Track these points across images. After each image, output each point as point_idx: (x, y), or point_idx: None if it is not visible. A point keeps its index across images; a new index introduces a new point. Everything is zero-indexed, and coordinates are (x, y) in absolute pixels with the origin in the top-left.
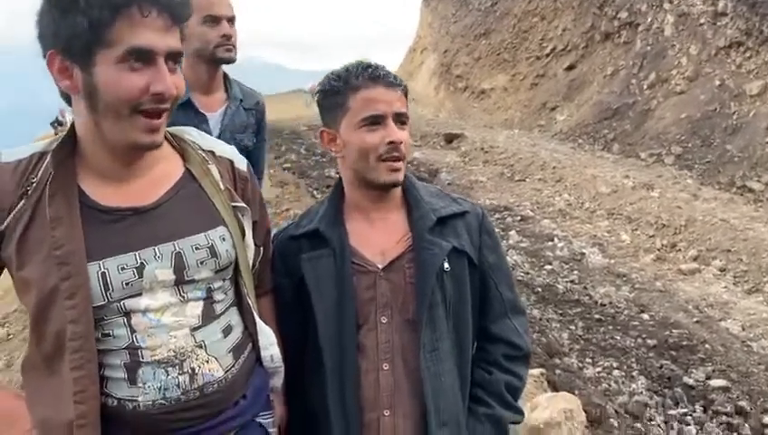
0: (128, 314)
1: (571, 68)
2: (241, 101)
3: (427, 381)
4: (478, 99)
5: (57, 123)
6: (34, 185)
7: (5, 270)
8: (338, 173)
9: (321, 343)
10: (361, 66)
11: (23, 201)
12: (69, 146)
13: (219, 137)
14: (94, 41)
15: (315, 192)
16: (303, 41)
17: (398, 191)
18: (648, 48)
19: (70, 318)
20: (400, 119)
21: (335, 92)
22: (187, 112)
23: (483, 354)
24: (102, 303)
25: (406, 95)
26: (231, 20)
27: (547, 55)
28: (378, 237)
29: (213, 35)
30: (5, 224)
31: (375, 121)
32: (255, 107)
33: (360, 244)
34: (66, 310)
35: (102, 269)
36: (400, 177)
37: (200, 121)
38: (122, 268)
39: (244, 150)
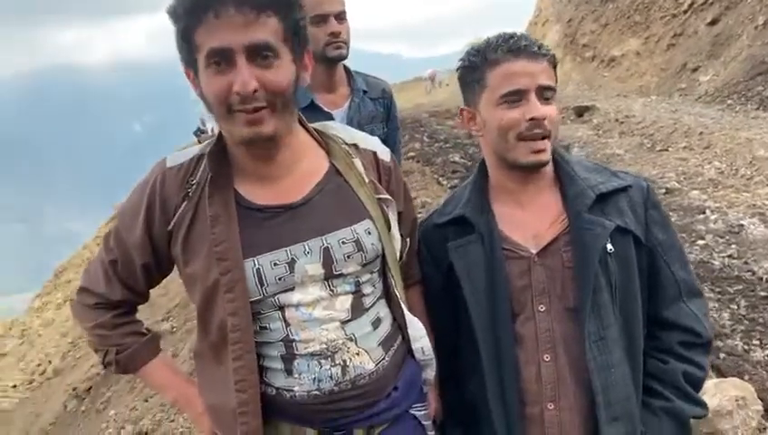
0: (282, 308)
1: (714, 22)
2: (364, 92)
3: (595, 372)
4: (608, 67)
5: (199, 132)
6: (194, 187)
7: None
8: (462, 158)
9: (476, 333)
10: (502, 38)
11: (185, 202)
12: (221, 149)
13: None
14: (191, 50)
15: (441, 179)
16: (416, 28)
17: (548, 169)
18: None
19: (229, 311)
20: (545, 93)
21: (473, 68)
22: (314, 113)
23: (656, 343)
24: (259, 297)
25: (554, 66)
26: (339, 16)
27: (685, 12)
28: (529, 220)
29: (321, 35)
30: (172, 224)
31: (516, 98)
32: (382, 95)
33: (510, 228)
34: (226, 303)
35: (257, 265)
36: (544, 157)
37: (326, 119)
38: (275, 264)
39: None
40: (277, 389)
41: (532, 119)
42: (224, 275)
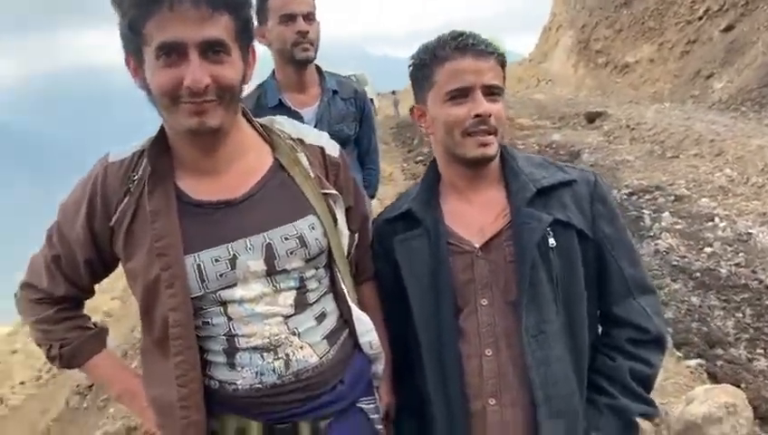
0: (224, 303)
1: (728, 29)
2: (335, 92)
3: (533, 367)
4: (621, 73)
5: None
6: (136, 182)
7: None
8: None
9: (417, 327)
10: (450, 36)
11: (127, 198)
12: (161, 143)
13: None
14: (138, 40)
15: None
16: (431, 35)
17: (494, 166)
18: None
19: (170, 306)
20: (491, 90)
21: (423, 66)
22: (282, 112)
23: (605, 339)
24: (200, 293)
25: (503, 66)
26: (307, 16)
27: (699, 18)
28: (475, 215)
29: (289, 33)
30: (114, 219)
31: (461, 94)
32: (354, 95)
33: (455, 223)
34: (167, 298)
35: (198, 262)
36: (490, 151)
37: (294, 119)
38: (216, 260)
39: (345, 139)
40: (220, 382)
41: (477, 115)
42: (164, 271)
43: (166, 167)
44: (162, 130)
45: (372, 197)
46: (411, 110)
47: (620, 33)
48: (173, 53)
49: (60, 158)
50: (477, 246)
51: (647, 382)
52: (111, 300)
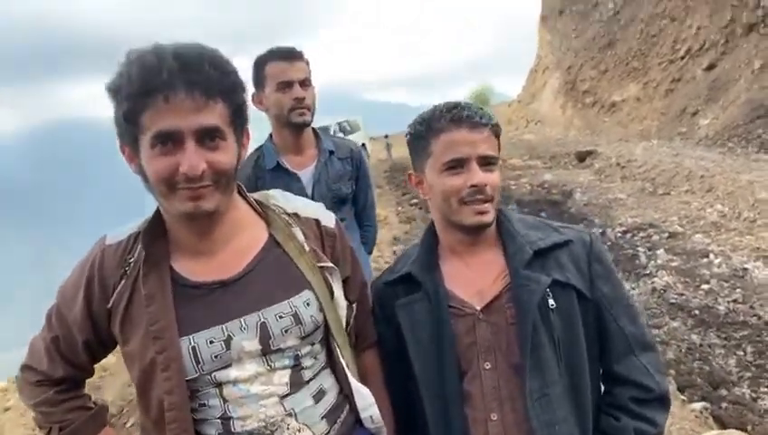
0: (219, 385)
1: (711, 67)
2: (331, 152)
3: (538, 430)
4: (609, 112)
5: None
6: (132, 264)
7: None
8: None
9: (421, 392)
10: (446, 108)
11: (123, 280)
12: (158, 226)
13: (314, 189)
14: (133, 130)
15: None
16: (423, 77)
17: (491, 230)
18: None
19: (165, 389)
20: (487, 160)
21: (419, 136)
22: (280, 174)
23: (609, 398)
24: (195, 375)
25: (497, 136)
26: (303, 82)
27: (682, 58)
28: (474, 278)
29: (286, 100)
30: (111, 302)
31: (457, 165)
32: (350, 154)
33: (455, 286)
34: (162, 381)
35: (193, 343)
36: (487, 219)
37: (292, 181)
38: (211, 342)
39: (343, 198)
40: None
41: (473, 186)
42: (159, 354)
43: (161, 250)
44: (157, 212)
45: (369, 253)
46: (409, 176)
47: (606, 73)
48: (168, 141)
49: (47, 208)
50: (479, 308)
51: None
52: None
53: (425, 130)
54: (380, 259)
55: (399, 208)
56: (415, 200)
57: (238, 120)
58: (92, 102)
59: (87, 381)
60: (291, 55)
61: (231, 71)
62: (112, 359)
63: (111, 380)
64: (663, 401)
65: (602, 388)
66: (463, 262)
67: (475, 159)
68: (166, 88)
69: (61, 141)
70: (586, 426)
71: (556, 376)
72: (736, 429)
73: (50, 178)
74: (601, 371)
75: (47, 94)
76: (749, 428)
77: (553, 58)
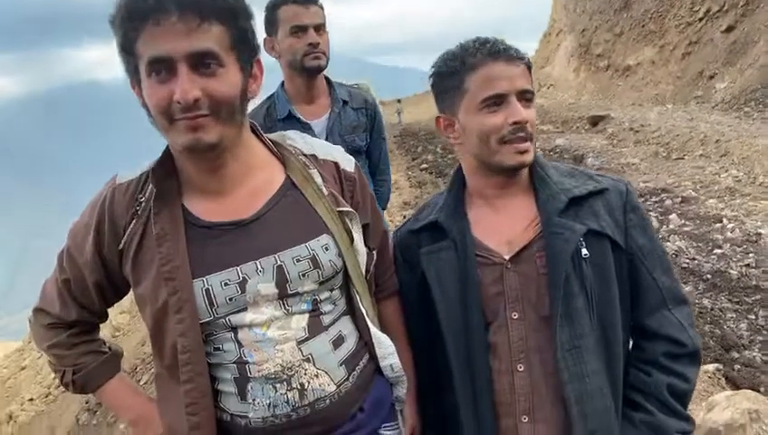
0: (234, 329)
1: (729, 29)
2: (345, 102)
3: (569, 383)
4: (623, 76)
5: None
6: (143, 204)
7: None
8: None
9: (446, 341)
10: (478, 42)
11: (134, 221)
12: (168, 163)
13: (327, 140)
14: (132, 60)
15: None
16: (434, 41)
17: (524, 174)
18: None
19: (179, 332)
20: (525, 96)
21: (450, 74)
22: (292, 124)
23: (639, 353)
24: (209, 318)
25: (530, 69)
26: (318, 27)
27: (700, 19)
28: (504, 226)
29: (299, 45)
30: (123, 242)
31: (497, 102)
32: (365, 105)
33: (484, 234)
34: (176, 324)
35: (206, 286)
36: (528, 158)
37: (305, 130)
38: (225, 284)
39: (357, 150)
40: (232, 415)
41: (515, 123)
42: (172, 296)
43: (172, 188)
44: (168, 150)
45: (383, 209)
46: (437, 120)
47: (621, 36)
48: (162, 68)
49: (57, 172)
50: (507, 257)
51: (684, 398)
52: (120, 314)
53: (458, 66)
54: (391, 223)
55: (410, 173)
56: (425, 165)
57: (242, 46)
58: (100, 66)
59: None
60: None
61: None
62: (125, 318)
63: (125, 339)
64: (695, 357)
65: (631, 342)
66: (492, 208)
67: (514, 94)
68: (156, 11)
69: (69, 105)
70: (616, 380)
71: (588, 328)
72: (749, 389)
73: (61, 142)
74: (631, 325)
75: (52, 60)
76: (761, 389)
77: (567, 21)
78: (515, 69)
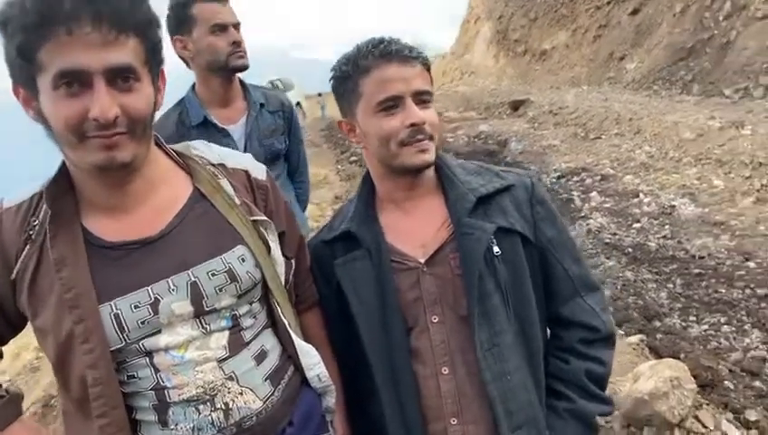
0: (149, 353)
1: (635, 12)
2: (262, 105)
3: (491, 383)
4: (540, 60)
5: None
6: (37, 227)
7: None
8: None
9: (367, 351)
10: (371, 43)
11: (28, 246)
12: (64, 181)
13: (246, 145)
14: (29, 67)
15: None
16: (352, 35)
17: (430, 174)
18: None
19: (87, 363)
20: (422, 97)
21: (346, 78)
22: (208, 130)
23: (556, 342)
24: (120, 345)
25: (428, 69)
26: (237, 26)
27: (608, 3)
28: (416, 229)
29: (222, 44)
30: (15, 272)
31: (392, 104)
32: (281, 108)
33: (397, 239)
34: (83, 355)
35: (115, 310)
36: (429, 157)
37: (222, 136)
38: (136, 307)
39: (276, 154)
40: None
41: (412, 125)
42: (77, 325)
43: (69, 207)
44: (63, 166)
45: (304, 210)
46: (339, 124)
47: (536, 21)
48: (75, 82)
49: None
50: (422, 261)
51: (602, 381)
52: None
53: (351, 70)
54: (321, 219)
55: (339, 167)
56: (354, 158)
57: (154, 59)
58: None
59: (23, 361)
60: None
61: (144, 2)
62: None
63: (44, 369)
64: (610, 340)
65: (548, 332)
66: (403, 212)
67: (410, 96)
68: (69, 19)
69: None
70: (538, 372)
71: (505, 325)
72: (670, 357)
73: None
74: (547, 314)
75: None
76: (681, 356)
77: (485, 8)
78: (410, 69)
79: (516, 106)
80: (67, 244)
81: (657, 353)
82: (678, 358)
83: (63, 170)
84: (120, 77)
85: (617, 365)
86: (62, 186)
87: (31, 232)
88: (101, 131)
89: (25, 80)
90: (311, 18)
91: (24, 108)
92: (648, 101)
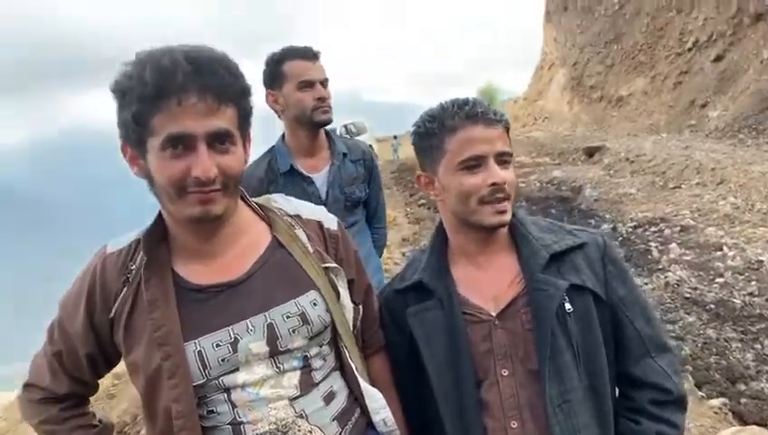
0: (227, 390)
1: (718, 59)
2: (344, 154)
3: None
4: (616, 107)
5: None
6: (134, 271)
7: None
8: None
9: (438, 401)
10: (457, 104)
11: (125, 288)
12: (159, 230)
13: (328, 193)
14: (141, 131)
15: None
16: (427, 76)
17: (504, 231)
18: None
19: (172, 397)
20: (503, 158)
21: (430, 135)
22: (294, 177)
23: (627, 402)
24: (202, 381)
25: (507, 131)
26: (324, 82)
27: (689, 50)
28: (488, 282)
29: (308, 100)
30: (113, 311)
31: (475, 163)
32: (362, 156)
33: (469, 291)
34: (169, 389)
35: (199, 348)
36: (506, 218)
37: (307, 184)
38: (217, 345)
39: (356, 201)
40: None
41: (493, 184)
42: (165, 361)
43: (163, 254)
44: (159, 216)
45: (380, 256)
46: (418, 178)
47: (612, 67)
48: (180, 144)
49: (59, 218)
50: (494, 314)
51: None
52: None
53: (437, 128)
54: (390, 260)
55: (408, 210)
56: (423, 201)
57: (246, 123)
58: (95, 111)
59: (101, 387)
60: (311, 54)
61: (241, 75)
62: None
63: (126, 386)
64: (681, 403)
65: (617, 391)
66: (475, 265)
67: (492, 157)
68: (180, 91)
69: (68, 151)
70: (608, 430)
71: (576, 382)
72: (756, 424)
73: (60, 189)
74: (617, 374)
75: (51, 105)
76: None
77: (559, 54)
78: (494, 132)
79: (591, 153)
80: (159, 287)
81: (742, 419)
82: (765, 426)
83: (159, 220)
84: (218, 141)
85: (696, 430)
86: (156, 235)
87: (129, 275)
88: (200, 187)
89: (136, 141)
90: (382, 62)
91: (129, 164)
92: (733, 150)
